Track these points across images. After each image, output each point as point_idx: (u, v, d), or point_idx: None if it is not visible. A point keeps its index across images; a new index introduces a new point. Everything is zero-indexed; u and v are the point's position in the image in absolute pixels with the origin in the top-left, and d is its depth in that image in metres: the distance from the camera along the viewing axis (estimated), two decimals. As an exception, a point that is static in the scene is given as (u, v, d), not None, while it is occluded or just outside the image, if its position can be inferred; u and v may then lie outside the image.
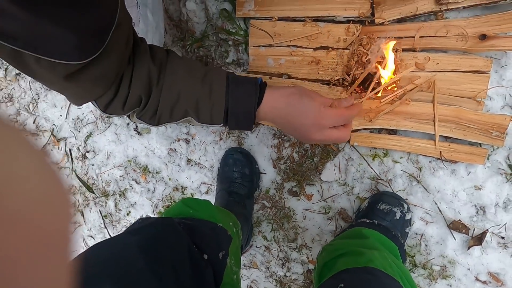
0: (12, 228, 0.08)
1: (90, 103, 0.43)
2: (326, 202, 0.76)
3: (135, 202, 0.90)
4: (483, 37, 0.60)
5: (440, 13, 0.63)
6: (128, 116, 0.47)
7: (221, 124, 0.48)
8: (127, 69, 0.42)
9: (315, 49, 0.70)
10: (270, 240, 0.81)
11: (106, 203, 0.92)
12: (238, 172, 0.75)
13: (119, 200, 0.91)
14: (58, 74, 0.34)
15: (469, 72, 0.63)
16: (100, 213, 0.93)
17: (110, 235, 0.92)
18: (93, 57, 0.34)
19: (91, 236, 0.94)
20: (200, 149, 0.85)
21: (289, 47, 0.72)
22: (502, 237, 0.65)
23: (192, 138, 0.85)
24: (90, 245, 1.02)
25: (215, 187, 0.83)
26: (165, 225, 0.40)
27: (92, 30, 0.35)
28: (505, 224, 0.64)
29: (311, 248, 0.77)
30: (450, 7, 0.61)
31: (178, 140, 0.86)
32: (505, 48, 0.59)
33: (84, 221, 0.94)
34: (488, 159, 0.65)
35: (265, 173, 0.79)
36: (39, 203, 0.09)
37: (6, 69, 1.00)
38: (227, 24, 0.77)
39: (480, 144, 0.64)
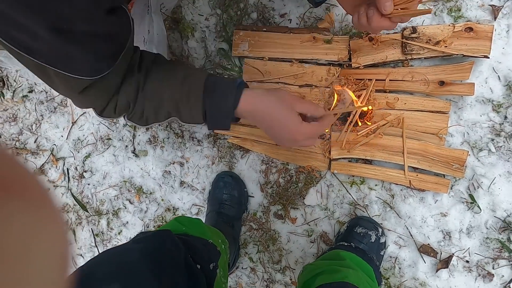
0: None
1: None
2: (309, 225, 0.81)
3: (127, 222, 0.94)
4: (442, 83, 0.70)
5: (406, 61, 0.74)
6: (124, 117, 0.54)
7: (203, 123, 0.52)
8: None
9: (301, 86, 0.80)
10: (256, 262, 0.84)
11: (98, 222, 0.95)
12: (227, 194, 0.81)
13: (112, 219, 0.95)
14: (72, 86, 0.43)
15: (432, 112, 0.72)
16: (92, 231, 0.95)
17: (100, 254, 0.94)
18: (103, 75, 0.43)
19: (81, 255, 0.96)
20: (193, 172, 0.90)
21: (278, 83, 0.81)
22: (467, 261, 0.71)
23: (186, 161, 0.91)
24: (81, 263, 1.02)
25: (206, 209, 0.88)
26: (164, 236, 0.46)
27: (108, 54, 0.42)
28: (468, 248, 0.70)
29: (294, 270, 0.81)
30: (414, 57, 0.72)
31: (173, 163, 0.92)
32: (460, 93, 0.70)
33: (75, 240, 0.96)
34: (451, 188, 0.72)
35: (253, 196, 0.85)
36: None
37: (14, 91, 1.06)
38: (224, 61, 0.87)
39: (444, 175, 0.72)
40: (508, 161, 0.70)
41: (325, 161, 0.79)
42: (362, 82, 0.76)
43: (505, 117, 0.70)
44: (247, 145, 0.84)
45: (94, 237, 0.95)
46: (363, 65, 0.75)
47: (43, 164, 1.03)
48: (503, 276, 0.70)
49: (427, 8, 0.58)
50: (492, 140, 0.71)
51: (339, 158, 0.77)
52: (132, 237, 0.96)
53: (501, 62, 0.69)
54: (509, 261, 0.70)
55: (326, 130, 0.76)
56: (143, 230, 0.93)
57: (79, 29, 0.37)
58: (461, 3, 0.71)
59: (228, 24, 0.86)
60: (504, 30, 0.69)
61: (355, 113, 0.74)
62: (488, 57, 0.67)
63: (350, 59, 0.76)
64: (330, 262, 0.65)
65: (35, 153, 1.04)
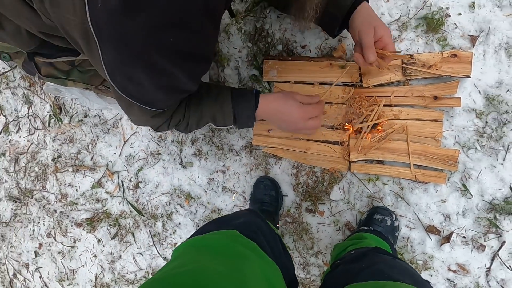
0: None
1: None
2: (335, 216, 0.99)
3: (179, 223, 1.11)
4: (436, 98, 0.90)
5: (406, 81, 0.93)
6: (172, 129, 0.70)
7: (231, 125, 0.71)
8: None
9: (322, 103, 0.98)
10: (293, 249, 1.02)
11: (154, 224, 1.12)
12: (267, 195, 0.99)
13: (166, 221, 1.11)
14: (146, 114, 0.60)
15: (429, 120, 0.91)
16: (150, 233, 1.12)
17: (158, 252, 1.11)
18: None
19: (141, 254, 1.12)
20: (234, 178, 1.08)
21: (303, 102, 0.99)
22: (464, 237, 0.89)
23: (228, 169, 1.09)
24: (141, 261, 1.14)
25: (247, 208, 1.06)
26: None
27: (180, 99, 0.61)
28: (464, 226, 0.89)
29: (325, 253, 0.99)
30: (412, 78, 0.91)
31: (216, 171, 1.09)
32: (450, 105, 0.89)
33: (135, 241, 1.13)
34: (448, 180, 0.91)
35: (287, 195, 1.03)
36: None
37: (71, 117, 1.23)
38: (256, 84, 1.05)
39: (442, 170, 0.91)
40: (490, 156, 0.89)
41: (345, 164, 0.97)
42: (372, 98, 0.95)
43: (486, 122, 0.89)
44: (279, 153, 1.02)
45: (152, 237, 1.12)
46: (372, 85, 0.94)
47: (100, 178, 1.20)
48: (492, 246, 0.88)
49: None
50: (477, 140, 0.90)
51: (357, 161, 0.96)
52: (184, 235, 1.12)
53: (480, 80, 0.89)
54: (496, 234, 0.88)
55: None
56: (195, 229, 1.10)
57: (181, 88, 0.55)
58: (446, 34, 0.90)
59: (258, 55, 1.05)
60: (481, 55, 0.89)
61: (368, 127, 0.93)
62: (470, 77, 0.86)
63: (361, 80, 0.95)
64: (355, 241, 0.83)
65: (93, 169, 1.21)
